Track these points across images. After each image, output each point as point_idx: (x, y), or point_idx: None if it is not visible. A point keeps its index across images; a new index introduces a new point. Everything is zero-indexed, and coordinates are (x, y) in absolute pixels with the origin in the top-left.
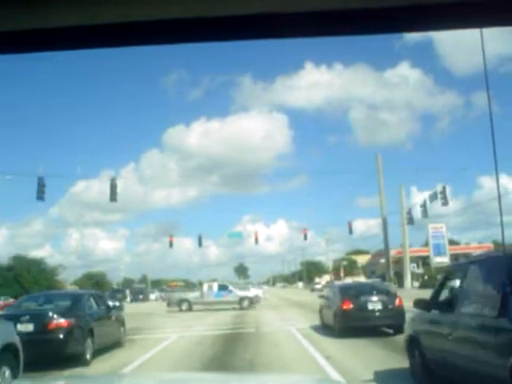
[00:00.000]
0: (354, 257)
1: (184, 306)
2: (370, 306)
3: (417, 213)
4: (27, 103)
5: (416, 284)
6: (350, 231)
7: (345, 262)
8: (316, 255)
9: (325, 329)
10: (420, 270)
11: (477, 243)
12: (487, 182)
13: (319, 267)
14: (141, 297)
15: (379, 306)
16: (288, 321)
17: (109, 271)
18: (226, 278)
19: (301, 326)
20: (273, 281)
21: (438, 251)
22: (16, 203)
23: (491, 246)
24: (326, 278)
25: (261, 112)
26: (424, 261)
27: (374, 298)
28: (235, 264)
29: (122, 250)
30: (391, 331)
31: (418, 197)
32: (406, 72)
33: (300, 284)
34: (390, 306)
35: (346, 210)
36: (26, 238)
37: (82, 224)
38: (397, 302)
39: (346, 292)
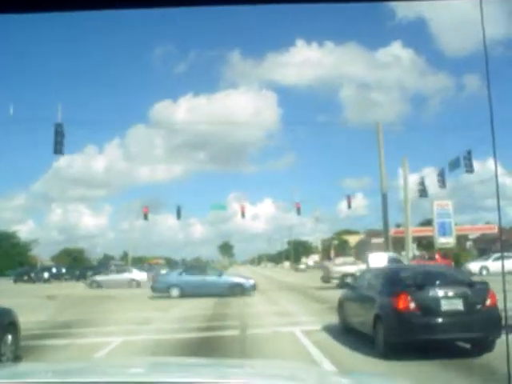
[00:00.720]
0: (344, 237)
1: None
2: (445, 306)
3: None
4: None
5: None
6: (349, 206)
7: (335, 242)
8: (302, 235)
9: (350, 335)
10: (417, 252)
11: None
12: (475, 166)
13: (307, 247)
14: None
15: (460, 306)
16: (285, 315)
17: (90, 248)
18: (210, 256)
19: (308, 325)
20: (258, 260)
21: (443, 231)
22: None
23: (495, 226)
24: (314, 257)
25: (250, 89)
26: (420, 242)
27: (450, 292)
28: (220, 242)
29: (105, 226)
30: (468, 346)
31: (410, 178)
32: (398, 52)
33: (287, 264)
34: (477, 307)
35: (332, 190)
36: (8, 213)
37: (65, 199)
38: (488, 298)
39: (401, 280)
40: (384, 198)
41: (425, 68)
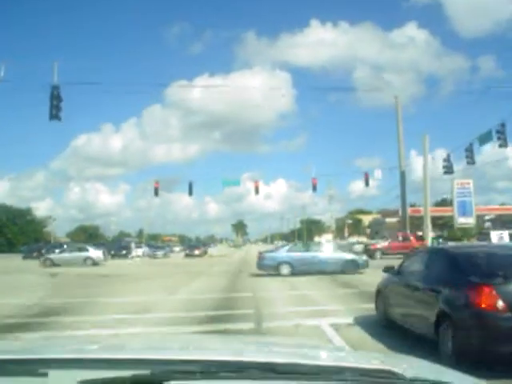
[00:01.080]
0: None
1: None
2: None
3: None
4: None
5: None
6: (367, 183)
7: (349, 221)
8: (315, 215)
9: (395, 334)
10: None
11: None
12: (485, 148)
13: (320, 226)
14: (124, 252)
15: None
16: (306, 301)
17: (106, 225)
18: (224, 234)
19: (337, 316)
20: (271, 239)
21: (463, 210)
22: None
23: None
24: (327, 236)
25: (264, 69)
26: (434, 222)
27: None
28: (234, 221)
29: (122, 204)
30: None
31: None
32: (412, 33)
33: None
34: None
35: (345, 170)
36: (27, 191)
37: (83, 178)
38: None
39: (478, 266)
40: (402, 175)
41: (439, 49)
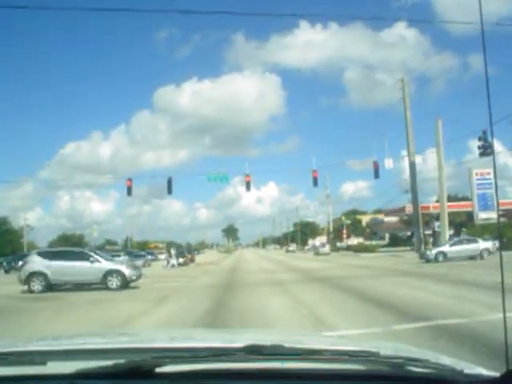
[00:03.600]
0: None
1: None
2: None
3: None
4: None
5: None
6: (376, 175)
7: (348, 221)
8: (306, 218)
9: None
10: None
11: None
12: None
13: (314, 228)
14: None
15: None
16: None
17: (96, 233)
18: (216, 240)
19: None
20: (262, 242)
21: (485, 204)
22: None
23: None
24: (322, 239)
25: (254, 72)
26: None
27: None
28: (225, 226)
29: (111, 212)
30: None
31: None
32: (402, 32)
33: (293, 246)
34: None
35: (336, 173)
36: (13, 200)
37: (71, 186)
38: None
39: None
40: (412, 166)
41: (429, 48)
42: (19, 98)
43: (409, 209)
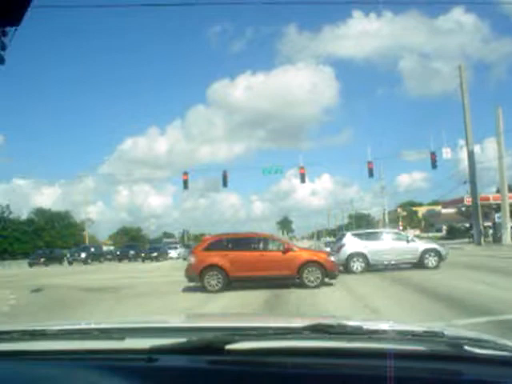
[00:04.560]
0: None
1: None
2: None
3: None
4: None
5: None
6: (434, 165)
7: (404, 213)
8: (361, 210)
9: None
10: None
11: None
12: None
13: (369, 220)
14: (155, 254)
15: None
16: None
17: (151, 226)
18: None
19: None
20: (317, 235)
21: None
22: None
23: None
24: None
25: (307, 64)
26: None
27: None
28: (280, 218)
29: (168, 205)
30: None
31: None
32: (459, 18)
33: None
34: None
35: (392, 163)
36: (76, 195)
37: (131, 181)
38: None
39: None
40: (471, 156)
41: (488, 33)
42: (80, 98)
43: (468, 200)
